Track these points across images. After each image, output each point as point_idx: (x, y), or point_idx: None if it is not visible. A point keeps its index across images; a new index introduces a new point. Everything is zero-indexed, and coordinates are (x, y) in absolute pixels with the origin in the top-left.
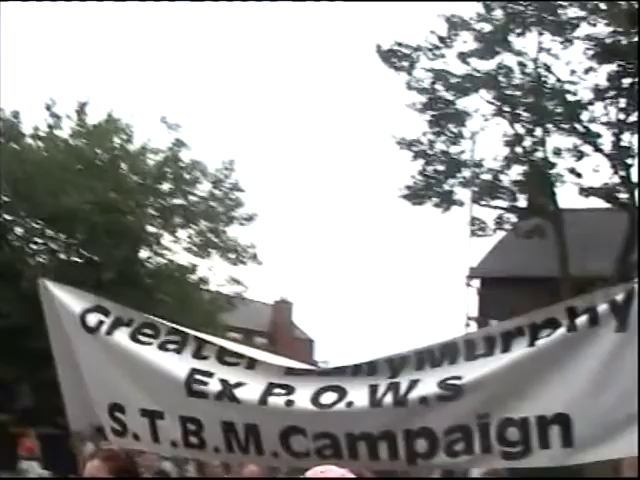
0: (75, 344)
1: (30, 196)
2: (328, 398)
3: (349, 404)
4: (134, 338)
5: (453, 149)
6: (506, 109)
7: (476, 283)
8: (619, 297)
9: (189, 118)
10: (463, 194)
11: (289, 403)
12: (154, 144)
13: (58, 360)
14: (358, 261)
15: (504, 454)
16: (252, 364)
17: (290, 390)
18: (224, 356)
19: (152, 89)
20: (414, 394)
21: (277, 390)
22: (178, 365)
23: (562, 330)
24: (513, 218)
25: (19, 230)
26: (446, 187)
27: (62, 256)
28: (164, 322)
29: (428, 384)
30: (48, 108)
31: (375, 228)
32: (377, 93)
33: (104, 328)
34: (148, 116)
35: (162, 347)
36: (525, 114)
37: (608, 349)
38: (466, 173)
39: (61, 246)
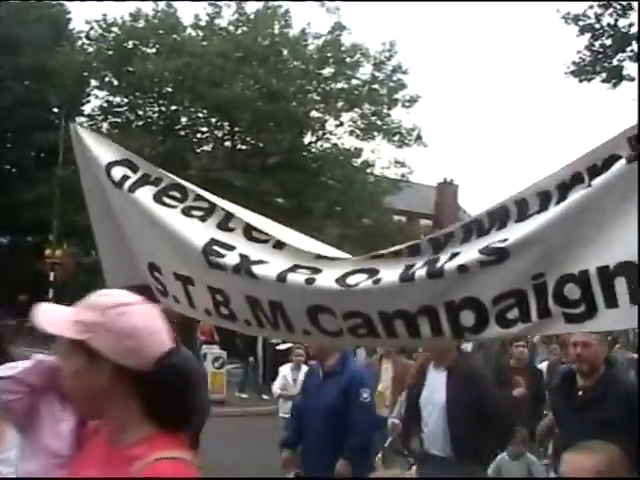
0: (109, 198)
1: (193, 86)
2: (356, 279)
3: (376, 281)
4: (158, 199)
5: (622, 22)
6: None
7: None
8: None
9: (348, 0)
10: (633, 68)
11: (310, 281)
12: (314, 29)
13: (93, 217)
14: (524, 141)
15: (566, 317)
16: (281, 245)
17: (315, 271)
18: (252, 231)
19: None
20: (451, 264)
21: (300, 270)
22: (198, 233)
23: (621, 162)
24: None
25: (184, 119)
26: (615, 62)
27: (227, 144)
28: (195, 188)
29: (469, 252)
30: None
31: (542, 107)
32: None
33: (127, 184)
34: (307, 1)
35: (186, 212)
36: None
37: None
38: (636, 46)
39: (226, 134)
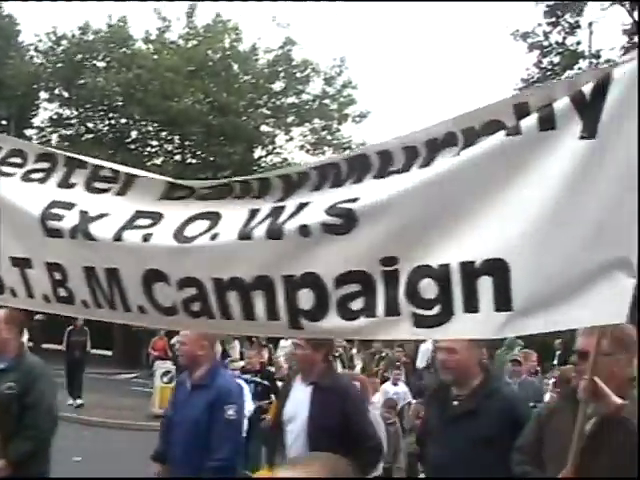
0: None
1: (143, 99)
2: (195, 228)
3: (214, 236)
4: None
5: (570, 40)
6: None
7: None
8: (587, 88)
9: (299, 16)
10: None
11: (146, 237)
12: (264, 43)
13: None
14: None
15: (416, 319)
16: (124, 189)
17: (157, 220)
18: (94, 182)
19: None
20: (293, 223)
21: (140, 221)
22: (37, 198)
23: (499, 134)
24: None
25: (134, 133)
26: (563, 79)
27: (178, 157)
28: (37, 146)
29: (315, 208)
30: (157, 12)
31: None
32: None
33: None
34: (257, 15)
35: (25, 177)
36: None
37: (567, 164)
38: (583, 64)
39: (177, 147)
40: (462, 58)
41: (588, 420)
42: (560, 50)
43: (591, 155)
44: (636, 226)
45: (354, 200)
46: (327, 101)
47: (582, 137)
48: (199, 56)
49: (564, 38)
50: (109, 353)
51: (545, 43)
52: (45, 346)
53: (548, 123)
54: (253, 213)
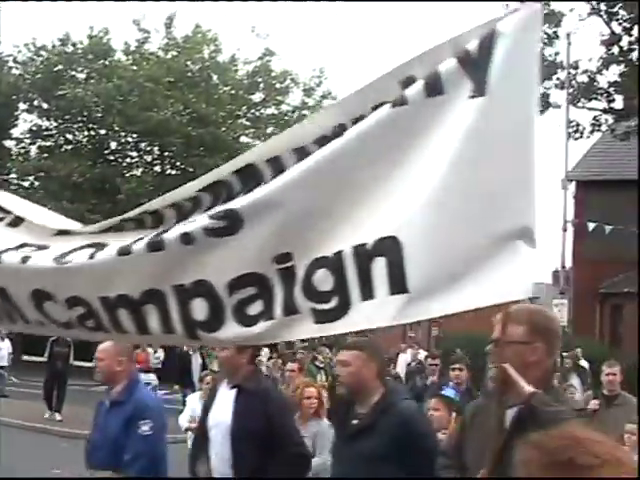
0: None
1: (123, 110)
2: (79, 256)
3: (92, 255)
4: None
5: (548, 50)
6: (602, 8)
7: (572, 186)
8: (472, 45)
9: (278, 27)
10: (559, 96)
11: (25, 260)
12: (244, 54)
13: None
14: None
15: (316, 314)
16: (17, 222)
17: (41, 247)
18: None
19: None
20: (173, 232)
21: (24, 248)
22: None
23: (385, 107)
24: (610, 120)
25: (113, 144)
26: (541, 89)
27: (157, 168)
28: None
29: (199, 218)
30: (137, 23)
31: None
32: None
33: None
34: (237, 26)
35: None
36: (622, 12)
37: (459, 128)
38: (562, 75)
39: (156, 158)
40: None
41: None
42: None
43: (482, 114)
44: (534, 189)
45: (236, 202)
46: (306, 112)
47: (472, 96)
48: (178, 67)
49: (542, 48)
50: (91, 365)
51: None
52: (25, 358)
53: (435, 88)
54: (139, 239)
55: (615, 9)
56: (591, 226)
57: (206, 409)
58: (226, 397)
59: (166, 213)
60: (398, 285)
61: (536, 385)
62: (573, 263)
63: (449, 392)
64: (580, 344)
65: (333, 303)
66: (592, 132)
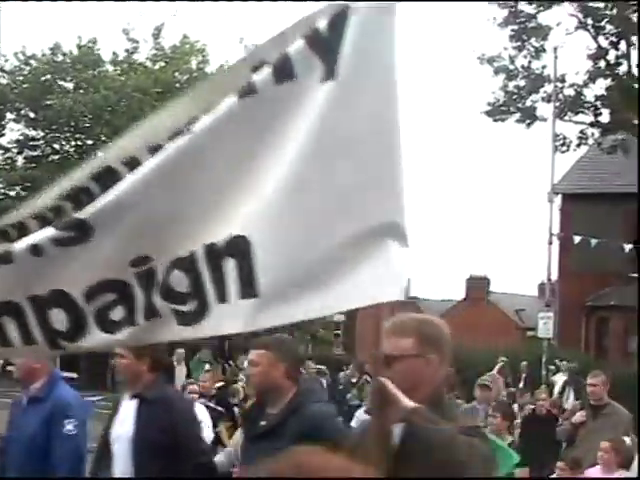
0: None
1: (110, 120)
2: None
3: None
4: None
5: (535, 64)
6: (589, 22)
7: (558, 199)
8: (322, 25)
9: (266, 37)
10: (546, 109)
11: None
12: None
13: None
14: (440, 179)
15: (178, 317)
16: None
17: None
18: None
19: (228, 9)
20: (21, 244)
21: None
22: None
23: (231, 98)
24: (596, 133)
25: (101, 154)
26: (528, 103)
27: None
28: None
29: (47, 229)
30: (125, 33)
31: (457, 145)
32: (457, 8)
33: None
34: (225, 37)
35: None
36: (609, 27)
37: (311, 116)
38: (548, 88)
39: None
40: (428, 79)
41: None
42: (526, 74)
43: (335, 100)
44: (400, 185)
45: (84, 210)
46: None
47: (323, 80)
48: (166, 78)
49: (529, 62)
50: (75, 375)
51: (511, 67)
52: (9, 368)
53: (285, 73)
54: None
55: (602, 23)
56: (577, 239)
57: (109, 422)
58: (128, 408)
59: (30, 225)
60: (248, 288)
61: (430, 399)
62: (559, 276)
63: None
64: (566, 357)
65: (192, 305)
66: (579, 145)
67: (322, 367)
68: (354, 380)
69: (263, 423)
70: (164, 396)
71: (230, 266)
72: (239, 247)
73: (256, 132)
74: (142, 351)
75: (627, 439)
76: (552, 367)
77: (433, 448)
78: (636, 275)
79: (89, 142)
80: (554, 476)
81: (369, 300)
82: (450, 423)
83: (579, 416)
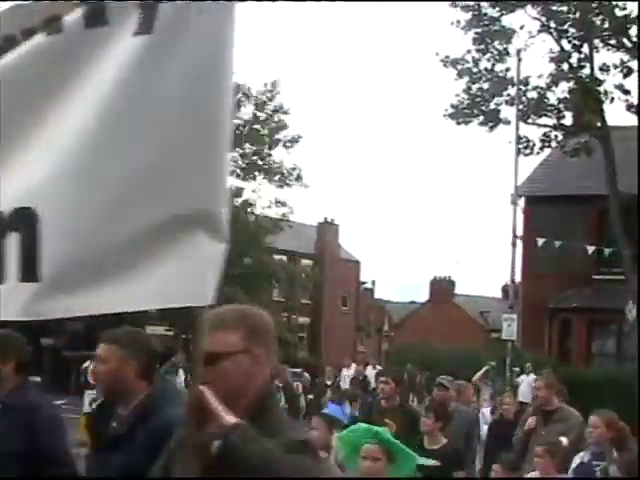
0: None
1: None
2: None
3: None
4: None
5: (498, 67)
6: (552, 25)
7: (522, 202)
8: None
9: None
10: (509, 112)
11: None
12: None
13: None
14: (404, 181)
15: None
16: None
17: None
18: None
19: None
20: None
21: None
22: None
23: (41, 35)
24: (560, 136)
25: None
26: (492, 106)
27: None
28: None
29: None
30: None
31: (420, 148)
32: (421, 11)
33: None
34: None
35: None
36: (572, 30)
37: (118, 72)
38: (512, 91)
39: None
40: (394, 83)
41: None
42: (489, 77)
43: (147, 59)
44: (221, 169)
45: None
46: (258, 126)
47: (137, 33)
48: None
49: (493, 65)
50: (37, 379)
51: (474, 70)
52: None
53: (96, 18)
54: None
55: (565, 27)
56: (540, 241)
57: None
58: None
59: None
60: (29, 270)
61: (254, 406)
62: (522, 278)
63: (335, 410)
64: (529, 359)
65: None
66: (542, 148)
67: (298, 370)
68: (329, 382)
69: (114, 425)
70: (28, 402)
71: (14, 242)
72: (24, 221)
73: (57, 78)
74: (8, 351)
75: (564, 439)
76: (516, 369)
77: (252, 470)
78: (599, 277)
79: None
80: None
81: (168, 302)
82: (275, 438)
83: (531, 422)
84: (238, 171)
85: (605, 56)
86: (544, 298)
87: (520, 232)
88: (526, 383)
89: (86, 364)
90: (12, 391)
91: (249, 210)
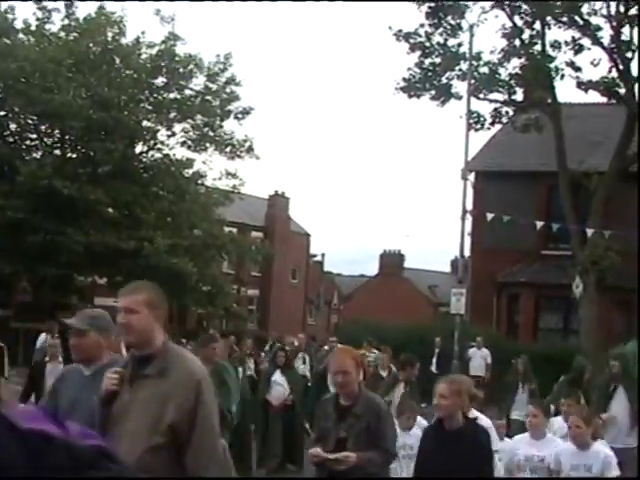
0: None
1: (23, 91)
2: None
3: None
4: None
5: (451, 41)
6: (505, 1)
7: (472, 177)
8: None
9: (184, 10)
10: (461, 87)
11: None
12: (148, 38)
13: None
14: (355, 154)
15: None
16: None
17: None
18: None
19: None
20: None
21: None
22: None
23: None
24: (510, 111)
25: (13, 126)
26: (443, 80)
27: (57, 151)
28: None
29: None
30: (38, 1)
31: (371, 121)
32: None
33: None
34: (141, 9)
35: None
36: (524, 6)
37: None
38: (464, 66)
39: (56, 141)
40: (346, 55)
41: None
42: (441, 51)
43: None
44: None
45: None
46: (210, 97)
47: None
48: (80, 49)
49: (445, 40)
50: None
51: (427, 44)
52: None
53: None
54: None
55: (517, 3)
56: (489, 216)
57: None
58: None
59: None
60: None
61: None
62: (471, 253)
63: None
64: (478, 333)
65: None
66: (493, 123)
67: None
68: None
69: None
70: None
71: None
72: None
73: None
74: None
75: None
76: (473, 343)
77: None
78: (547, 252)
79: (1, 113)
80: None
81: None
82: None
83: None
84: (189, 142)
85: (556, 33)
86: (493, 273)
87: (470, 207)
88: (478, 357)
89: (42, 338)
90: None
91: (200, 182)
